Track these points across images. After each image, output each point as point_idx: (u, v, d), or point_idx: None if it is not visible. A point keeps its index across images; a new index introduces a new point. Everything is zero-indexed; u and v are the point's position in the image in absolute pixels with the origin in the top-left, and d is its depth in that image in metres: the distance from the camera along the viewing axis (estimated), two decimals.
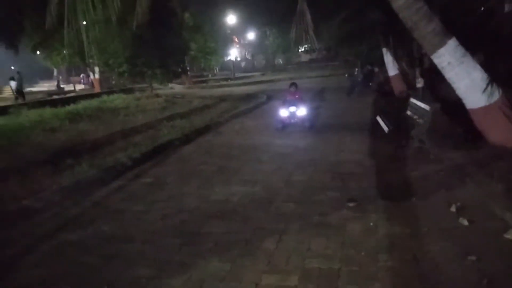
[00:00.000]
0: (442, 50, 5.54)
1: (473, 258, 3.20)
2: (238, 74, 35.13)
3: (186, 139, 8.51)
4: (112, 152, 7.23)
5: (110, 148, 7.66)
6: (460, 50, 5.49)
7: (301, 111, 8.87)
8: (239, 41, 43.76)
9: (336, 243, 3.58)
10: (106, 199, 5.20)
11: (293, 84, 9.64)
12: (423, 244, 3.51)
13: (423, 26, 5.47)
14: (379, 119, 7.82)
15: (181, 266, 3.38)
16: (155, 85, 19.14)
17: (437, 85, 7.60)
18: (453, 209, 4.11)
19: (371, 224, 3.94)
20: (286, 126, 8.94)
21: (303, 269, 3.20)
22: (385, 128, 7.30)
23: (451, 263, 3.19)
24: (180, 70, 18.62)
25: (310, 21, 6.94)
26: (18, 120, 11.00)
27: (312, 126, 8.88)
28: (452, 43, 5.48)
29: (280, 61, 47.55)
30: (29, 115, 11.58)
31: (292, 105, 8.90)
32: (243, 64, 49.31)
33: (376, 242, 3.58)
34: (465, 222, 3.80)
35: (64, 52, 22.85)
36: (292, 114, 8.87)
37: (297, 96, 9.28)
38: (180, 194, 5.21)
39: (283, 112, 8.91)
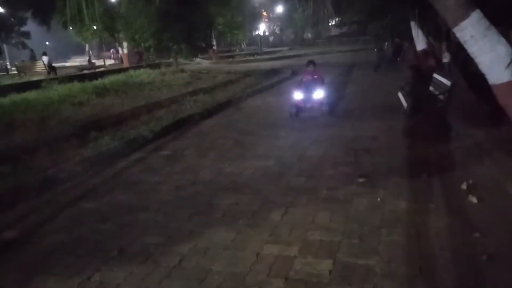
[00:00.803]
0: (464, 23, 5.31)
1: (477, 235, 3.19)
2: (265, 49, 34.80)
3: (207, 113, 8.65)
4: (135, 126, 7.47)
5: (133, 121, 7.91)
6: (484, 23, 5.25)
7: (318, 93, 7.84)
8: (268, 15, 43.09)
9: (341, 217, 3.64)
10: (125, 170, 5.43)
11: (310, 62, 8.47)
12: (428, 220, 3.52)
13: None
14: (400, 95, 7.66)
15: (189, 235, 3.54)
16: (182, 60, 19.29)
17: (463, 60, 7.34)
18: (464, 186, 4.06)
19: (379, 199, 3.96)
20: (300, 111, 7.95)
21: (305, 240, 3.29)
22: (404, 104, 7.15)
23: (454, 240, 3.19)
24: (205, 45, 18.65)
25: None
26: (48, 94, 11.45)
27: (331, 111, 7.92)
28: (475, 15, 5.24)
29: (309, 35, 46.55)
30: (59, 90, 12.01)
31: (309, 87, 7.92)
32: (271, 38, 48.67)
33: (381, 217, 3.61)
34: (474, 200, 3.76)
35: (94, 27, 23.29)
36: (308, 97, 7.84)
37: (315, 77, 8.22)
38: (195, 166, 5.37)
39: (297, 95, 7.85)
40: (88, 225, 3.91)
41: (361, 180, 4.44)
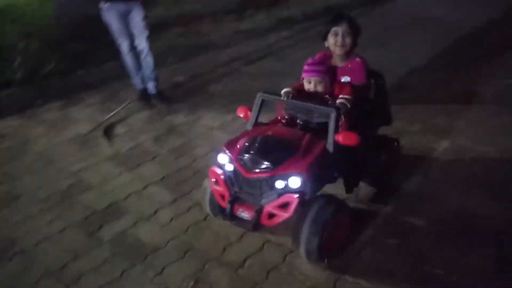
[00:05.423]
0: None
1: None
2: None
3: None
4: (288, 7, 7.82)
5: (286, 3, 8.23)
6: None
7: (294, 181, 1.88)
8: None
9: None
10: (275, 44, 5.96)
11: (338, 18, 2.34)
12: None
13: None
14: None
15: None
16: None
17: None
18: None
19: None
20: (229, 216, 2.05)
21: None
22: None
23: None
24: None
25: None
26: None
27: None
28: None
29: None
30: None
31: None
32: None
33: None
34: None
35: None
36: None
37: (343, 80, 2.35)
38: None
39: (220, 164, 2.09)
40: (241, 81, 4.65)
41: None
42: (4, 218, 2.57)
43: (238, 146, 2.04)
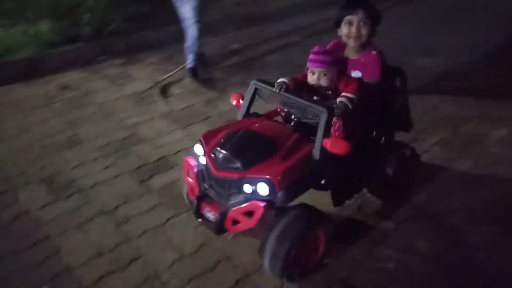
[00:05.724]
0: None
1: None
2: None
3: None
4: None
5: None
6: None
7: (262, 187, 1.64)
8: None
9: None
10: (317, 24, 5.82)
11: (352, 5, 2.00)
12: None
13: None
14: None
15: None
16: None
17: None
18: None
19: None
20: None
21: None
22: None
23: None
24: None
25: None
26: None
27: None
28: None
29: None
30: None
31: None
32: None
33: None
34: None
35: None
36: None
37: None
38: None
39: (195, 157, 1.92)
40: (296, 53, 4.59)
41: None
42: (65, 161, 2.81)
43: (215, 139, 1.82)
